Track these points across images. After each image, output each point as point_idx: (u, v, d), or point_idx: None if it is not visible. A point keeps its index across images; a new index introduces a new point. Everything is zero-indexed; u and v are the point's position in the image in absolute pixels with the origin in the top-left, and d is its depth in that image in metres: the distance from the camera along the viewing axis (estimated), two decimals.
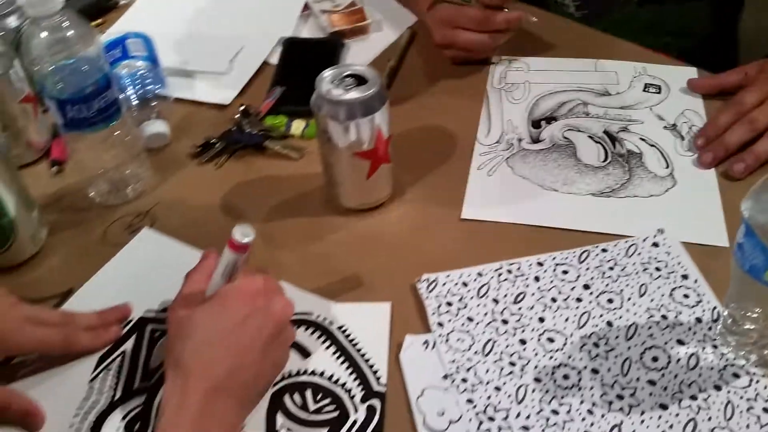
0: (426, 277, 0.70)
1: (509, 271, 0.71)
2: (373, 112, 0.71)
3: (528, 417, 0.59)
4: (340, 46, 1.00)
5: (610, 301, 0.67)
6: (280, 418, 0.60)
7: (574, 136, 0.85)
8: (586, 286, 0.69)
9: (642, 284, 0.68)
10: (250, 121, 0.89)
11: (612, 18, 1.05)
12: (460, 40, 0.92)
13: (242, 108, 0.90)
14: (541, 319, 0.66)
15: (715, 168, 0.80)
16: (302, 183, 0.82)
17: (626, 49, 0.97)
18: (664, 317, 0.66)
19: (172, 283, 0.64)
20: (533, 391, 0.61)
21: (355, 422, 0.60)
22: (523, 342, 0.65)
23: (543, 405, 0.60)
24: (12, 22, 0.88)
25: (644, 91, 0.90)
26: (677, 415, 0.59)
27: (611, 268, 0.70)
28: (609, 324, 0.66)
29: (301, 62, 0.97)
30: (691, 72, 0.92)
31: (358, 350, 0.65)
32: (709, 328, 0.65)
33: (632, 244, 0.72)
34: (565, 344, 0.64)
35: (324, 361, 0.64)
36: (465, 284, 0.70)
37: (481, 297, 0.69)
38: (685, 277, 0.69)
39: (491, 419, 0.59)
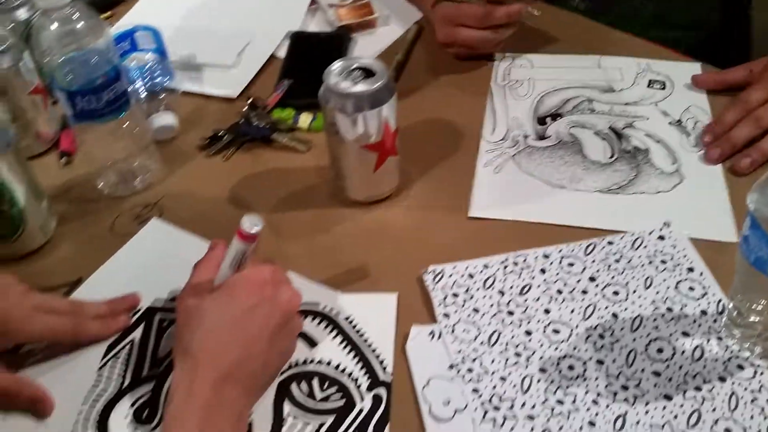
0: (432, 269, 0.71)
1: (515, 263, 0.71)
2: (380, 105, 0.71)
3: (533, 406, 0.60)
4: (347, 40, 1.00)
5: (615, 293, 0.68)
6: (287, 406, 0.61)
7: (580, 133, 0.85)
8: (592, 279, 0.69)
9: (647, 277, 0.69)
10: (258, 114, 0.89)
11: (618, 11, 1.05)
12: (462, 37, 0.92)
13: (250, 101, 0.91)
14: (547, 311, 0.67)
15: (722, 164, 0.80)
16: (309, 175, 0.83)
17: (631, 44, 0.97)
18: (669, 309, 0.66)
19: (181, 273, 0.65)
20: (538, 381, 0.61)
21: (361, 411, 0.60)
22: (528, 333, 0.65)
23: (548, 395, 0.60)
24: (22, 14, 0.89)
25: (649, 87, 0.90)
26: (681, 405, 0.59)
27: (617, 261, 0.70)
28: (614, 316, 0.66)
29: (309, 56, 0.98)
30: (696, 68, 0.92)
31: (365, 340, 0.65)
32: (714, 321, 0.65)
33: (638, 237, 0.72)
34: (570, 335, 0.65)
35: (331, 351, 0.65)
36: (471, 276, 0.70)
37: (487, 288, 0.69)
38: (690, 269, 0.69)
39: (497, 409, 0.60)
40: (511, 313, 0.67)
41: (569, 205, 0.77)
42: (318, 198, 0.80)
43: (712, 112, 0.86)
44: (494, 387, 0.61)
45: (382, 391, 0.62)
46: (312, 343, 0.66)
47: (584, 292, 0.68)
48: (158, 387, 0.63)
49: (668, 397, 0.60)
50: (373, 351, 0.65)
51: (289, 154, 0.86)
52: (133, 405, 0.61)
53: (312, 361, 0.64)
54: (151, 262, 0.73)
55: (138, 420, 0.60)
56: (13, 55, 0.81)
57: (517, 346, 0.64)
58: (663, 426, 0.58)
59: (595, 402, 0.60)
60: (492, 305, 0.67)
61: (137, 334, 0.67)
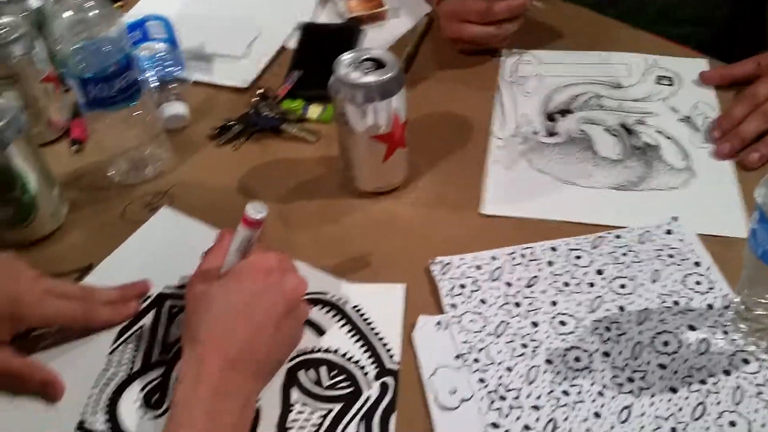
0: (440, 260, 0.71)
1: (522, 256, 0.71)
2: (390, 96, 0.72)
3: (539, 397, 0.60)
4: (357, 32, 1.00)
5: (622, 286, 0.68)
6: (294, 393, 0.61)
7: (590, 129, 0.85)
8: (599, 272, 0.69)
9: (655, 270, 0.69)
10: (268, 105, 0.90)
11: (625, 6, 1.04)
12: (466, 33, 0.92)
13: (260, 91, 0.91)
14: (554, 303, 0.67)
15: (733, 159, 0.80)
16: (318, 166, 0.83)
17: (638, 38, 0.97)
18: (675, 303, 0.66)
19: (190, 261, 0.65)
20: (545, 372, 0.62)
21: (368, 398, 0.61)
22: (535, 324, 0.66)
23: (554, 386, 0.61)
24: (34, 2, 0.89)
25: (656, 83, 0.90)
26: (687, 398, 0.59)
27: (624, 255, 0.71)
28: (621, 309, 0.66)
29: (319, 47, 0.98)
30: (703, 63, 0.92)
31: (372, 329, 0.66)
32: (720, 315, 0.65)
33: (645, 231, 0.72)
34: (577, 327, 0.65)
35: (338, 339, 0.65)
36: (478, 267, 0.70)
37: (495, 280, 0.69)
38: (697, 264, 0.69)
39: (502, 398, 0.60)
40: (518, 304, 0.67)
41: (581, 202, 0.76)
42: (327, 188, 0.81)
43: (720, 108, 0.86)
44: (500, 377, 0.62)
45: (389, 380, 0.62)
46: (320, 331, 0.66)
47: (591, 284, 0.68)
48: (168, 372, 0.63)
49: (673, 390, 0.60)
50: (381, 340, 0.65)
51: (298, 145, 0.86)
52: (143, 389, 0.62)
53: (320, 349, 0.65)
54: (162, 249, 0.74)
55: (148, 404, 0.61)
56: (26, 43, 0.82)
57: (523, 337, 0.65)
58: (668, 418, 0.58)
59: (600, 393, 0.60)
60: (499, 296, 0.68)
61: (147, 320, 0.67)
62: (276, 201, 0.79)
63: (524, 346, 0.64)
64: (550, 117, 0.87)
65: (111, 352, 0.65)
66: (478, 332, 0.65)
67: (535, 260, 0.71)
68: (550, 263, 0.70)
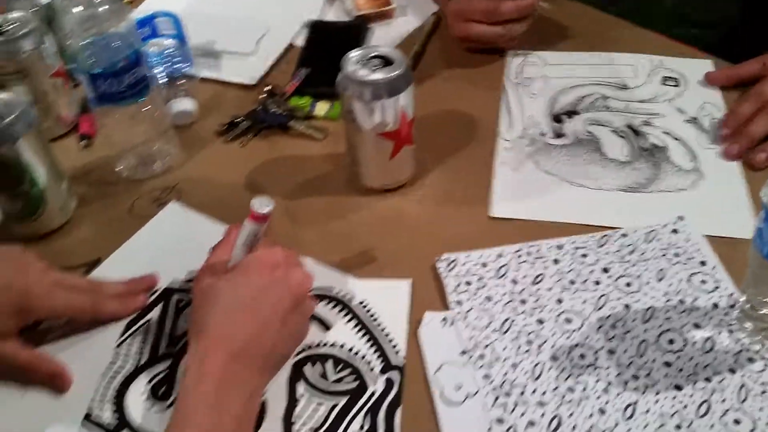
0: (446, 257, 0.71)
1: (528, 253, 0.71)
2: (398, 93, 0.72)
3: (544, 393, 0.60)
4: (364, 30, 1.01)
5: (628, 284, 0.68)
6: (300, 387, 0.62)
7: (597, 131, 0.85)
8: (605, 270, 0.69)
9: (660, 269, 0.69)
10: (276, 102, 0.90)
11: (632, 7, 1.04)
12: (473, 33, 0.93)
13: (268, 88, 0.91)
14: (559, 301, 0.67)
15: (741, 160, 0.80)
16: (325, 163, 0.83)
17: (643, 37, 0.97)
18: (681, 302, 0.66)
19: (198, 256, 0.66)
20: (550, 368, 0.62)
21: (373, 393, 0.61)
22: (540, 322, 0.66)
23: (559, 382, 0.61)
24: None
25: (662, 84, 0.90)
26: (691, 395, 0.60)
27: (630, 253, 0.71)
28: (627, 307, 0.66)
29: (326, 45, 0.99)
30: (708, 64, 0.92)
31: (378, 325, 0.66)
32: (726, 314, 0.65)
33: (652, 230, 0.73)
34: (582, 325, 0.65)
35: (344, 334, 0.66)
36: (484, 265, 0.71)
37: (500, 277, 0.70)
38: (703, 263, 0.69)
39: (507, 394, 0.60)
40: (523, 301, 0.67)
41: (590, 204, 0.76)
42: (333, 185, 0.81)
43: (726, 109, 0.86)
44: (505, 373, 0.62)
45: (394, 375, 0.62)
46: (326, 326, 0.66)
47: (597, 282, 0.68)
48: (175, 365, 0.64)
49: (678, 387, 0.60)
50: (386, 335, 0.65)
51: (305, 142, 0.87)
52: (149, 382, 0.63)
53: (325, 344, 0.65)
54: (169, 244, 0.75)
55: (155, 396, 0.62)
56: (36, 38, 0.82)
57: (529, 334, 0.65)
58: (672, 415, 0.58)
59: (605, 390, 0.60)
60: (505, 294, 0.68)
61: (155, 313, 0.68)
62: (283, 197, 0.79)
63: (530, 342, 0.64)
64: (557, 118, 0.87)
65: (118, 345, 0.65)
66: (483, 328, 0.65)
67: (541, 258, 0.71)
68: (555, 261, 0.71)
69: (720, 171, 0.79)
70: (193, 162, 0.85)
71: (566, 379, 0.61)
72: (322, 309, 0.67)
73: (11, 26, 0.81)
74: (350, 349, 0.64)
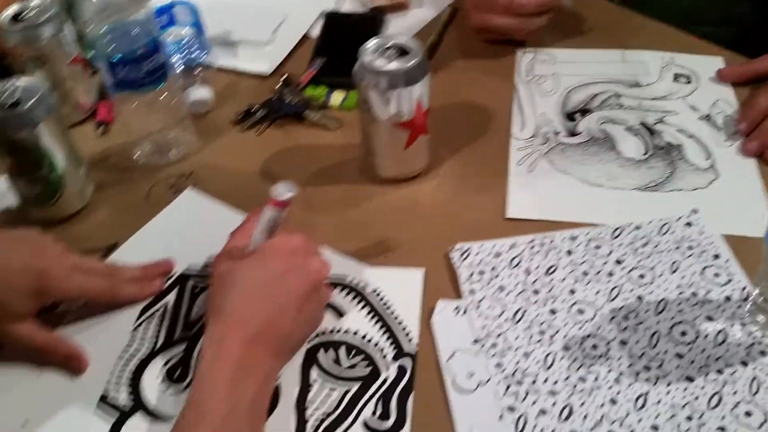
0: (459, 246, 0.72)
1: (542, 244, 0.72)
2: (414, 83, 0.72)
3: (556, 382, 0.61)
4: (380, 21, 1.01)
5: (641, 276, 0.68)
6: (314, 372, 0.62)
7: (612, 129, 0.84)
8: (618, 262, 0.70)
9: (674, 262, 0.69)
10: (291, 91, 0.91)
11: (649, 5, 1.04)
12: (492, 24, 0.92)
13: (284, 77, 0.92)
14: (572, 291, 0.68)
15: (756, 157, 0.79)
16: (340, 153, 0.84)
17: (659, 31, 0.97)
18: (694, 294, 0.66)
19: (213, 242, 0.67)
20: (561, 358, 0.62)
21: (386, 380, 0.62)
22: (553, 312, 0.66)
23: (571, 372, 0.61)
24: None
25: (674, 81, 0.90)
26: (703, 387, 0.60)
27: (644, 245, 0.71)
28: (639, 298, 0.66)
29: (342, 36, 0.99)
30: (719, 61, 0.91)
31: (391, 312, 0.67)
32: (738, 307, 0.65)
33: (666, 223, 0.73)
34: (594, 316, 0.65)
35: (357, 322, 0.66)
36: (497, 255, 0.71)
37: (513, 267, 0.70)
38: (716, 256, 0.69)
39: (519, 383, 0.61)
40: (536, 292, 0.68)
41: (608, 204, 0.75)
42: (348, 175, 0.81)
43: (738, 106, 0.85)
44: (517, 362, 0.62)
45: (407, 362, 0.63)
46: (339, 313, 0.67)
47: (610, 274, 0.69)
48: (190, 348, 0.64)
49: (690, 379, 0.60)
50: (399, 323, 0.66)
51: (320, 132, 0.87)
52: (165, 364, 0.63)
53: (339, 331, 0.65)
54: (185, 230, 0.75)
55: (170, 379, 0.62)
56: (55, 25, 0.83)
57: (541, 324, 0.65)
58: (684, 406, 0.59)
59: (617, 380, 0.61)
60: (518, 284, 0.68)
61: (170, 298, 0.69)
62: (298, 185, 0.79)
63: (542, 332, 0.64)
64: (570, 116, 0.86)
65: (134, 329, 0.66)
66: (496, 318, 0.66)
67: (554, 249, 0.71)
68: (569, 252, 0.71)
69: (736, 169, 0.79)
70: (209, 150, 0.85)
71: (578, 369, 0.62)
72: (336, 296, 0.68)
73: (31, 13, 0.82)
74: (363, 336, 0.65)
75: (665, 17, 1.00)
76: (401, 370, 0.62)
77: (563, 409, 0.59)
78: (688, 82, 0.89)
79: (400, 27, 1.01)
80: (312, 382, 0.62)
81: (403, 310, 0.67)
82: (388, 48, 0.73)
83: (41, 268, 0.63)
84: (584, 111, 0.87)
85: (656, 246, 0.71)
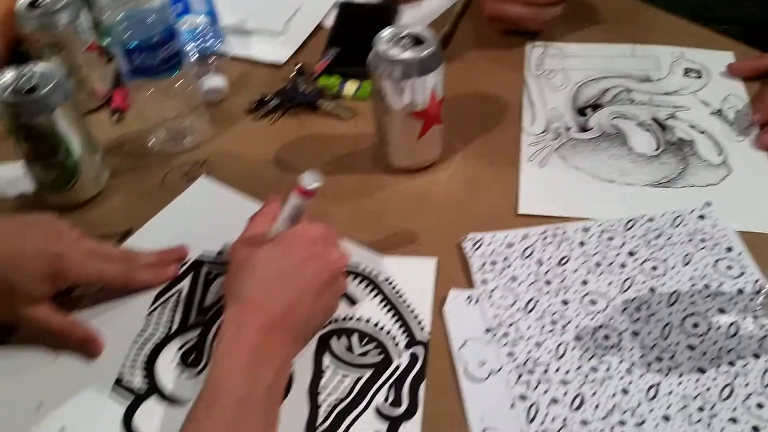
0: (472, 236, 0.72)
1: (554, 235, 0.72)
2: (428, 72, 0.72)
3: (567, 372, 0.61)
4: (393, 12, 1.01)
5: (654, 268, 0.68)
6: (326, 359, 0.63)
7: (623, 124, 0.84)
8: (631, 253, 0.70)
9: (686, 254, 0.69)
10: (305, 81, 0.91)
11: (660, 2, 1.04)
12: (508, 13, 0.92)
13: (298, 67, 0.92)
14: (584, 282, 0.68)
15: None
16: (353, 142, 0.84)
17: (668, 23, 0.97)
18: (706, 286, 0.66)
19: (227, 230, 0.67)
20: (573, 348, 0.63)
21: (398, 367, 0.62)
22: (565, 303, 0.66)
23: (582, 362, 0.62)
24: None
25: (685, 76, 0.90)
26: (714, 379, 0.60)
27: (657, 237, 0.71)
28: (652, 290, 0.67)
29: (356, 26, 0.99)
30: (729, 56, 0.91)
31: (404, 301, 0.67)
32: (751, 300, 0.65)
33: (679, 216, 0.73)
34: (607, 307, 0.66)
35: (370, 310, 0.67)
36: (510, 245, 0.71)
37: (526, 258, 0.70)
38: (729, 249, 0.69)
39: (531, 372, 0.61)
40: (548, 282, 0.68)
41: (621, 200, 0.75)
42: (361, 164, 0.82)
43: (749, 100, 0.85)
44: (529, 351, 0.63)
45: (419, 350, 0.63)
46: (352, 301, 0.67)
47: (623, 265, 0.69)
48: (204, 333, 0.65)
49: (702, 370, 0.60)
50: (412, 312, 0.66)
51: (333, 121, 0.87)
52: (179, 349, 0.64)
53: (352, 318, 0.66)
54: (199, 217, 0.76)
55: (184, 363, 0.63)
56: (72, 12, 0.83)
57: (553, 314, 0.65)
58: (695, 397, 0.59)
59: (629, 371, 0.61)
60: (530, 274, 0.69)
61: (185, 284, 0.69)
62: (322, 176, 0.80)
63: (554, 322, 0.65)
64: (581, 111, 0.86)
65: (149, 313, 0.67)
66: (508, 307, 0.66)
67: (566, 240, 0.71)
68: (582, 244, 0.71)
69: (748, 164, 0.78)
70: (223, 138, 0.86)
71: (590, 359, 0.62)
72: (349, 284, 0.68)
73: (48, 0, 0.82)
74: (376, 324, 0.65)
75: (677, 14, 1.00)
76: (413, 358, 0.63)
77: (575, 398, 0.59)
78: (699, 77, 0.89)
79: (414, 17, 1.01)
80: (325, 368, 0.62)
81: (415, 298, 0.67)
82: (402, 37, 0.73)
83: (57, 252, 0.63)
84: (595, 106, 0.87)
85: (669, 238, 0.71)
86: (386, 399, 0.60)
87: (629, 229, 0.72)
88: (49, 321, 0.64)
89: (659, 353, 0.62)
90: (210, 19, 0.96)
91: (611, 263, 0.69)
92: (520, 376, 0.61)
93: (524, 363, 0.62)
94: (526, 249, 0.71)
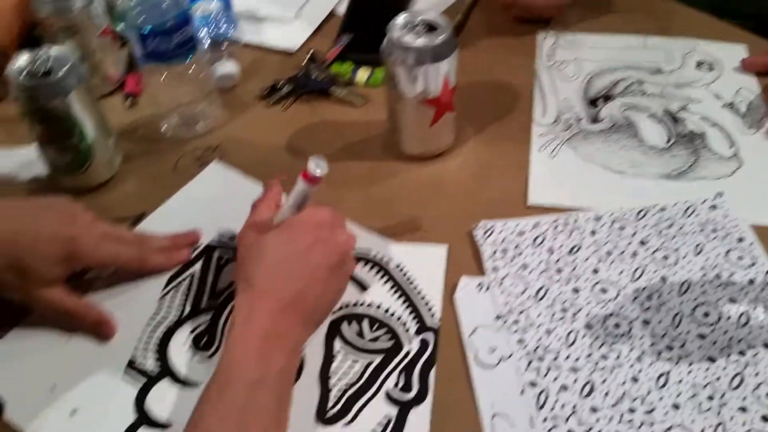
0: (483, 224, 0.72)
1: (566, 224, 0.72)
2: (441, 59, 0.72)
3: (577, 359, 0.61)
4: (406, 0, 1.01)
5: (665, 257, 0.68)
6: (337, 344, 0.63)
7: (634, 116, 0.84)
8: (643, 242, 0.70)
9: (698, 244, 0.69)
10: (317, 67, 0.91)
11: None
12: (520, 0, 0.92)
13: (310, 53, 0.92)
14: (595, 271, 0.68)
15: None
16: (365, 129, 0.84)
17: (682, 14, 0.97)
18: (717, 276, 0.66)
19: (238, 215, 0.67)
20: (584, 336, 0.63)
21: (408, 353, 0.62)
22: (576, 291, 0.66)
23: (592, 350, 0.62)
24: None
25: (697, 68, 0.89)
26: (725, 368, 0.60)
27: (669, 227, 0.71)
28: (663, 279, 0.67)
29: (368, 13, 0.99)
30: (741, 49, 0.91)
31: (414, 287, 0.67)
32: (762, 290, 0.65)
33: (690, 206, 0.73)
34: (617, 295, 0.66)
35: (381, 295, 0.67)
36: (521, 233, 0.71)
37: (537, 246, 0.70)
38: (740, 239, 0.69)
39: (541, 359, 0.61)
40: (559, 270, 0.68)
41: (632, 192, 0.75)
42: (373, 151, 0.82)
43: (761, 91, 0.85)
44: (539, 339, 0.63)
45: (429, 336, 0.64)
46: (363, 287, 0.68)
47: (634, 254, 0.69)
48: (216, 317, 0.65)
49: (712, 359, 0.61)
50: (422, 298, 0.66)
51: (345, 108, 0.87)
52: (192, 332, 0.64)
53: (362, 304, 0.66)
54: (211, 202, 0.76)
55: (196, 346, 0.63)
56: None
57: (564, 302, 0.65)
58: (705, 386, 0.59)
59: (639, 359, 0.61)
60: (541, 262, 0.69)
61: (197, 268, 0.70)
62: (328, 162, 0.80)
63: (564, 310, 0.65)
64: (592, 103, 0.86)
65: (161, 297, 0.67)
66: (518, 295, 0.66)
67: (578, 229, 0.71)
68: (593, 232, 0.71)
69: (760, 157, 0.78)
70: (235, 124, 0.86)
71: (600, 347, 0.62)
72: (360, 270, 0.69)
73: None
74: (386, 310, 0.66)
75: (693, 7, 0.99)
76: (424, 344, 0.63)
77: (585, 385, 0.59)
78: (711, 70, 0.89)
79: (427, 4, 1.00)
80: (335, 353, 0.63)
81: (426, 285, 0.67)
82: (416, 24, 0.73)
83: (71, 235, 0.64)
84: (607, 97, 0.87)
85: (681, 228, 0.71)
86: (396, 384, 0.60)
87: (641, 218, 0.72)
88: (62, 303, 0.64)
89: (669, 342, 0.62)
90: (223, 5, 0.96)
91: (622, 252, 0.69)
92: (530, 363, 0.61)
93: (534, 350, 0.62)
94: (537, 237, 0.71)
